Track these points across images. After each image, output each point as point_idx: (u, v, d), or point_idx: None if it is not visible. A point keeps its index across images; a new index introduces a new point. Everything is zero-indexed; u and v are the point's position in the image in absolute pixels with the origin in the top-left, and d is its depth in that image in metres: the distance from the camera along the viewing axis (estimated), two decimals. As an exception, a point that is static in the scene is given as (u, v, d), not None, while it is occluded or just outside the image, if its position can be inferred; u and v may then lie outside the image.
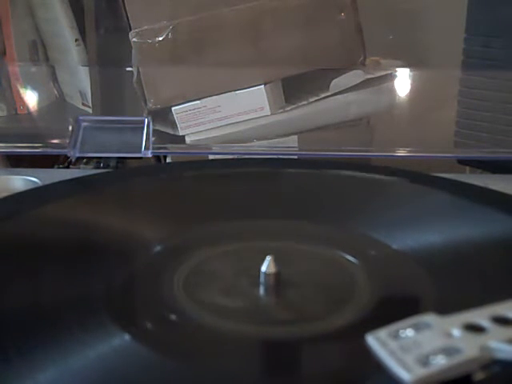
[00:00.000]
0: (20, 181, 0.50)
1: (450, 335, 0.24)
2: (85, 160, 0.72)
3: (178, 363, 0.28)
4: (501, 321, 0.25)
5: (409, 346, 0.24)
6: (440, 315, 0.26)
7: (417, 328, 0.25)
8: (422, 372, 0.23)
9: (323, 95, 0.68)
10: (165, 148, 0.60)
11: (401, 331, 0.25)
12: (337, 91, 0.68)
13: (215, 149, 0.65)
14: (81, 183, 0.45)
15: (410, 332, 0.25)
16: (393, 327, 0.25)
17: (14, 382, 0.25)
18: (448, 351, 0.23)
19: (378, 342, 0.24)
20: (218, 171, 0.48)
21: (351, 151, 0.55)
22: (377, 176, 0.46)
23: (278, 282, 0.34)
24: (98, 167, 0.72)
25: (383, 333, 0.25)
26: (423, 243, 0.38)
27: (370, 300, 0.32)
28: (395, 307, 0.32)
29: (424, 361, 0.23)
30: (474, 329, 0.25)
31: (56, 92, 0.86)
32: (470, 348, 0.24)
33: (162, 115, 0.70)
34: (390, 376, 0.23)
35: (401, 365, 0.23)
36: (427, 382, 0.23)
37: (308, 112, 0.69)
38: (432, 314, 0.26)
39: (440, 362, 0.23)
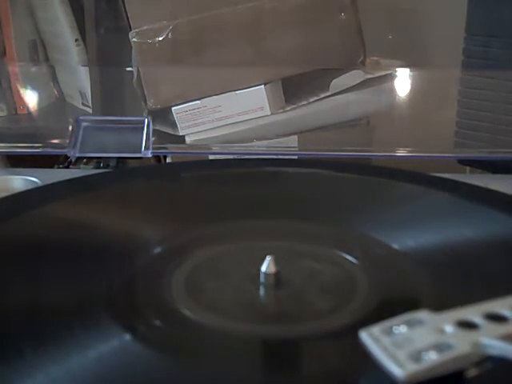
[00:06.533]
0: (20, 181, 0.50)
1: (442, 331, 0.24)
2: (85, 160, 0.72)
3: (178, 363, 0.28)
4: (493, 318, 0.25)
5: (401, 342, 0.24)
6: (433, 312, 0.26)
7: (410, 324, 0.25)
8: (413, 368, 0.23)
9: (323, 95, 0.68)
10: (165, 148, 0.60)
11: (394, 327, 0.25)
12: (337, 91, 0.68)
13: (215, 149, 0.65)
14: (81, 183, 0.45)
15: (403, 328, 0.25)
16: (386, 323, 0.25)
17: (14, 382, 0.25)
18: (440, 347, 0.24)
19: (370, 337, 0.24)
20: (217, 171, 0.48)
21: (351, 151, 0.55)
22: (377, 176, 0.46)
23: (278, 282, 0.34)
24: (98, 167, 0.72)
25: (376, 329, 0.25)
26: (423, 243, 0.38)
27: (370, 300, 0.32)
28: (395, 307, 0.32)
29: (416, 357, 0.23)
30: (466, 325, 0.25)
31: (56, 92, 0.86)
32: (461, 344, 0.24)
33: (162, 115, 0.70)
34: (387, 375, 0.23)
35: (393, 360, 0.23)
36: (419, 377, 0.23)
37: (308, 112, 0.69)
38: (425, 311, 0.26)
39: (432, 357, 0.23)
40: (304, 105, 0.69)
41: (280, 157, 0.57)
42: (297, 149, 0.65)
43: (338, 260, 0.37)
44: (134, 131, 0.56)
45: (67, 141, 0.55)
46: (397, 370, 0.23)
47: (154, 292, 0.33)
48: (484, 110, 0.64)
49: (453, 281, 0.34)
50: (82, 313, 0.31)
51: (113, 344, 0.28)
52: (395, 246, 0.38)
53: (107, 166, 0.72)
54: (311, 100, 0.69)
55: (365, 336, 0.25)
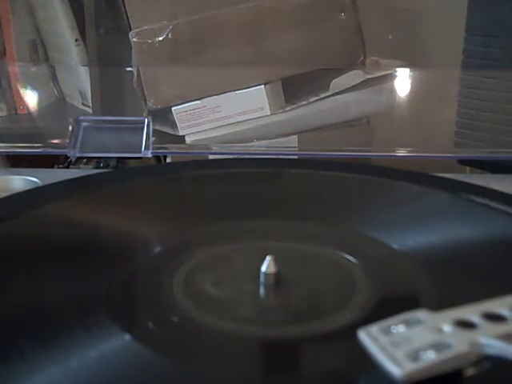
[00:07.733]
0: (20, 181, 0.50)
1: (440, 331, 0.24)
2: (85, 160, 0.72)
3: (177, 363, 0.28)
4: (492, 317, 0.25)
5: (399, 342, 0.24)
6: (432, 311, 0.26)
7: (408, 324, 0.25)
8: (411, 367, 0.23)
9: (323, 95, 0.68)
10: (165, 148, 0.60)
11: (392, 327, 0.25)
12: (337, 91, 0.68)
13: (215, 149, 0.65)
14: (81, 183, 0.45)
15: (401, 328, 0.25)
16: (384, 323, 0.25)
17: (14, 382, 0.25)
18: (438, 347, 0.24)
19: (369, 337, 0.24)
20: (217, 171, 0.48)
21: (351, 151, 0.55)
22: (377, 176, 0.46)
23: (278, 281, 0.34)
24: (98, 167, 0.72)
25: (375, 328, 0.25)
26: (423, 243, 0.38)
27: (370, 300, 0.33)
28: (395, 307, 0.32)
29: (414, 356, 0.23)
30: (464, 325, 0.25)
31: (56, 92, 0.86)
32: (459, 344, 0.24)
33: (162, 115, 0.70)
34: (386, 374, 0.23)
35: (391, 360, 0.23)
36: (417, 376, 0.23)
37: (308, 112, 0.69)
38: (424, 310, 0.26)
39: (430, 357, 0.23)
40: (304, 105, 0.69)
41: (280, 157, 0.57)
42: (297, 149, 0.65)
43: (337, 260, 0.37)
44: (133, 131, 0.56)
45: (67, 141, 0.55)
46: (395, 369, 0.23)
47: (153, 292, 0.33)
48: (484, 109, 0.64)
49: (452, 281, 0.34)
50: (81, 313, 0.31)
51: (113, 344, 0.28)
52: (395, 246, 0.38)
53: (107, 166, 0.72)
54: (311, 100, 0.69)
55: (363, 335, 0.25)
